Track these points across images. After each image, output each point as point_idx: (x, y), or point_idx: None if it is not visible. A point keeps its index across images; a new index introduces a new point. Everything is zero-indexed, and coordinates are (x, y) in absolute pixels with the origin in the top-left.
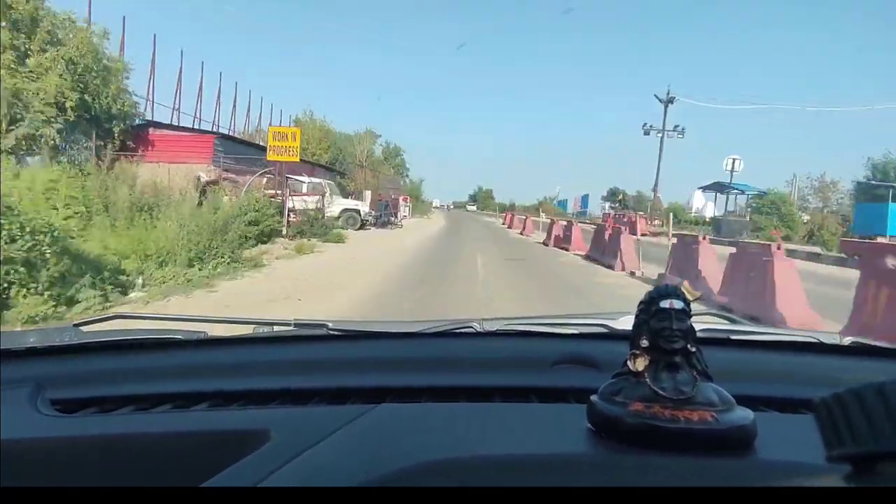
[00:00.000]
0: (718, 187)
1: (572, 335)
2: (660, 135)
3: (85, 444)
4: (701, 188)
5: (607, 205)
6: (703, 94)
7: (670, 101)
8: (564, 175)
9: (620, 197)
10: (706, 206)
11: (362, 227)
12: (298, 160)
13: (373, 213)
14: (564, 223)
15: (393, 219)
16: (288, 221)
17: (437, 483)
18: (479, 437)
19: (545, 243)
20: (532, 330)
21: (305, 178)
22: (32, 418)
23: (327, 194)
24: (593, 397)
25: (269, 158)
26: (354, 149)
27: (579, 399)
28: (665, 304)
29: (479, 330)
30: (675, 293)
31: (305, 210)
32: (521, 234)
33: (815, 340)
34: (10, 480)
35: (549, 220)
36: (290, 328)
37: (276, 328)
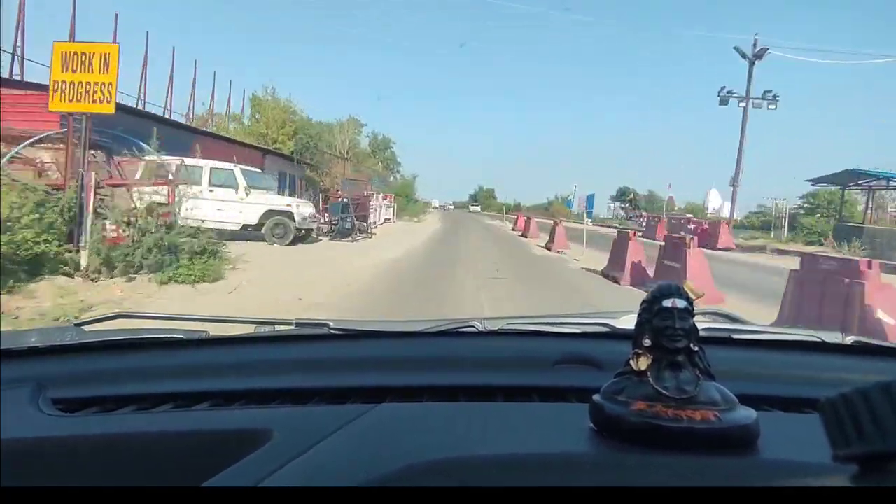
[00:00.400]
0: (848, 177)
1: (574, 334)
2: (742, 104)
3: (86, 444)
4: (812, 180)
5: (616, 205)
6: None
7: (758, 55)
8: (568, 174)
9: (631, 196)
10: (723, 205)
11: (303, 238)
12: (112, 110)
13: (324, 217)
14: (663, 242)
15: (362, 225)
16: (84, 240)
17: (438, 483)
18: (480, 437)
19: (611, 277)
20: (534, 329)
21: (153, 155)
22: (34, 418)
23: (242, 187)
24: (595, 396)
25: (52, 108)
26: (334, 138)
27: (581, 398)
28: (668, 302)
29: (480, 329)
30: (678, 292)
31: (132, 218)
32: (548, 248)
33: (818, 340)
34: (11, 480)
35: (612, 230)
36: (292, 328)
37: (277, 328)
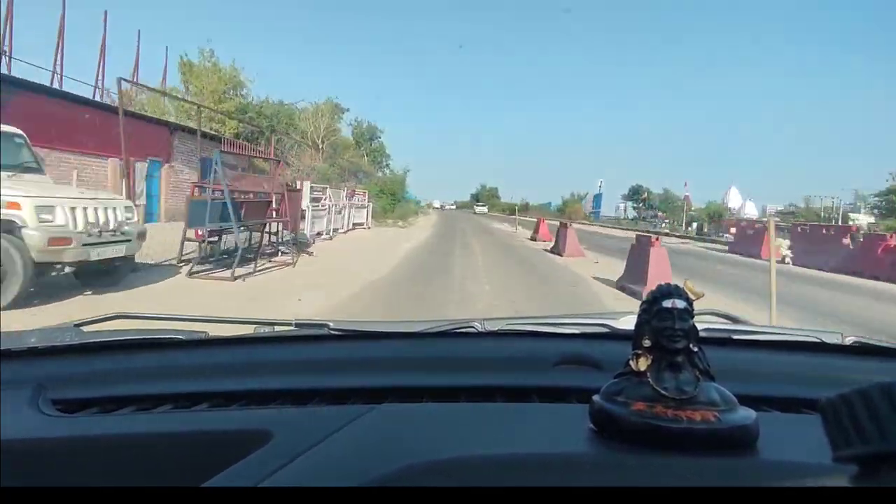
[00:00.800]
0: None
1: (574, 335)
2: None
3: (86, 444)
4: None
5: (628, 205)
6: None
7: None
8: (576, 172)
9: (645, 196)
10: (745, 205)
11: (103, 275)
12: None
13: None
14: None
15: (288, 236)
16: None
17: (439, 483)
18: (480, 437)
19: None
20: (534, 330)
21: None
22: (34, 418)
23: None
24: (595, 397)
25: None
26: (306, 124)
27: (581, 399)
28: (667, 303)
29: (480, 330)
30: (678, 292)
31: None
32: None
33: (818, 340)
34: (11, 480)
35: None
36: (291, 328)
37: (276, 328)
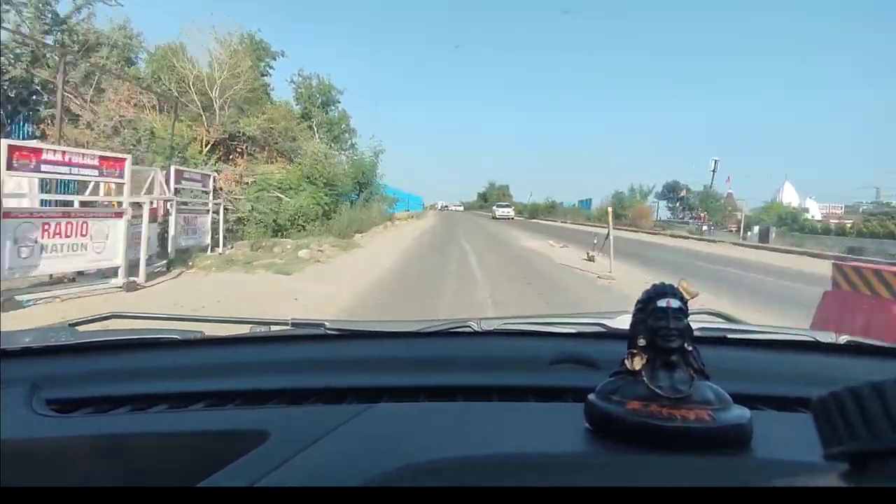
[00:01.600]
0: None
1: (570, 334)
2: None
3: (81, 445)
4: None
5: (662, 204)
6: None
7: None
8: (595, 170)
9: (682, 194)
10: (804, 203)
11: None
12: None
13: None
14: None
15: None
16: None
17: (435, 483)
18: (476, 437)
19: None
20: (530, 329)
21: None
22: (28, 418)
23: None
24: (590, 396)
25: None
26: (186, 65)
27: (577, 398)
28: (662, 302)
29: (476, 329)
30: (673, 292)
31: None
32: None
33: (812, 339)
34: (5, 480)
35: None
36: (288, 328)
37: (273, 328)
